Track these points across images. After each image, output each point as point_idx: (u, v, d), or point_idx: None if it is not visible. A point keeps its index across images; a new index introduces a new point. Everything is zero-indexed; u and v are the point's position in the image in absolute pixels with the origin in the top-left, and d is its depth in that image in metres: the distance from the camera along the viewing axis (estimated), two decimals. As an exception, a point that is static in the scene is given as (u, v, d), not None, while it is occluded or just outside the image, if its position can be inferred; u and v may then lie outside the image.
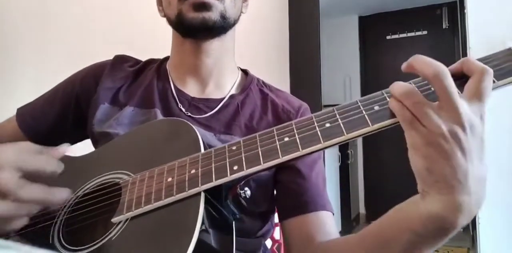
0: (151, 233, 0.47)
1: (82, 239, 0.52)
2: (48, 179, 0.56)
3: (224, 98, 0.75)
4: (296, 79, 2.00)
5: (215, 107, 0.74)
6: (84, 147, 0.76)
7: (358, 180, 3.85)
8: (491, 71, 0.42)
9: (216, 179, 0.47)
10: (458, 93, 0.42)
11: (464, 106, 0.40)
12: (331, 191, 2.73)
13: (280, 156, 0.46)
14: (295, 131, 0.47)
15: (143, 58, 0.84)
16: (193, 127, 0.58)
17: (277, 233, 1.21)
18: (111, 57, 0.82)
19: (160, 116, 0.71)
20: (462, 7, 2.11)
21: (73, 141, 0.85)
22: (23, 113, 0.81)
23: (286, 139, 0.47)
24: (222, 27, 0.70)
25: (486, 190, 0.42)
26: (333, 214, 0.70)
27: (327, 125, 0.45)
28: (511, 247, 1.81)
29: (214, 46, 0.73)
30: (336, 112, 0.46)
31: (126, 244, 0.48)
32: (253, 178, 0.65)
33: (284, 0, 2.02)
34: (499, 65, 0.44)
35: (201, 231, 0.44)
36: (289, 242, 0.68)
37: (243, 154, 0.48)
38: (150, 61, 0.83)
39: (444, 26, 3.66)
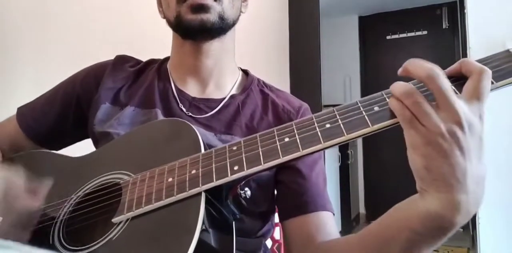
0: (152, 233, 0.47)
1: (83, 239, 0.52)
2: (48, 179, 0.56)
3: (224, 98, 0.75)
4: (296, 79, 2.00)
5: (216, 107, 0.74)
6: (84, 147, 0.76)
7: (358, 180, 3.85)
8: (489, 71, 0.42)
9: (216, 179, 0.48)
10: (457, 93, 0.43)
11: (462, 105, 0.41)
12: (331, 191, 2.73)
13: (281, 156, 0.46)
14: (295, 131, 0.47)
15: (144, 58, 0.84)
16: (193, 127, 0.58)
17: (277, 233, 1.21)
18: (111, 57, 0.82)
19: (161, 116, 0.72)
20: (462, 7, 2.11)
21: (73, 141, 0.85)
22: (23, 112, 0.81)
23: (287, 139, 0.47)
24: (221, 28, 0.70)
25: (485, 189, 0.43)
26: (334, 214, 0.70)
27: (327, 125, 0.46)
28: (511, 247, 1.81)
29: (214, 47, 0.74)
30: (336, 112, 0.46)
31: (126, 244, 0.48)
32: (254, 178, 0.65)
33: (284, 0, 2.03)
34: (498, 66, 0.44)
35: (202, 231, 0.44)
36: (289, 242, 0.68)
37: (243, 154, 0.48)
38: (151, 61, 0.83)
39: (444, 26, 3.66)
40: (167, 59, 0.82)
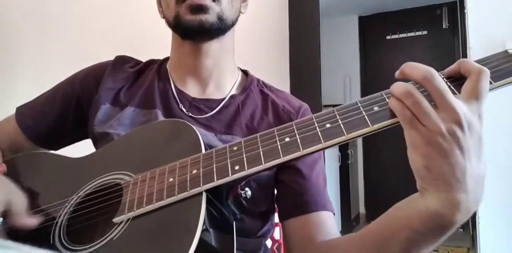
0: (153, 233, 0.47)
1: (83, 239, 0.53)
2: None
3: (224, 98, 0.75)
4: (296, 79, 2.00)
5: (216, 108, 0.74)
6: (84, 147, 0.76)
7: (358, 180, 3.85)
8: (488, 71, 0.43)
9: (217, 179, 0.48)
10: (456, 93, 0.43)
11: (461, 105, 0.41)
12: (331, 191, 2.73)
13: (281, 156, 0.46)
14: (295, 131, 0.47)
15: (143, 58, 0.84)
16: (194, 127, 0.58)
17: (277, 233, 1.21)
18: (111, 57, 0.82)
19: (161, 117, 0.72)
20: (462, 7, 2.11)
21: (73, 141, 0.85)
22: (22, 112, 0.81)
23: (287, 139, 0.47)
24: (220, 28, 0.70)
25: (485, 189, 0.43)
26: (334, 214, 0.70)
27: (328, 125, 0.46)
28: (511, 247, 1.81)
29: (213, 47, 0.74)
30: (336, 112, 0.47)
31: (127, 244, 0.48)
32: (254, 178, 0.65)
33: (284, 0, 2.03)
34: (496, 66, 0.45)
35: (202, 230, 0.45)
36: (289, 242, 0.68)
37: (244, 154, 0.49)
38: (151, 62, 0.83)
39: (444, 26, 3.66)
40: (166, 59, 0.82)
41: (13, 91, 2.01)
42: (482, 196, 0.43)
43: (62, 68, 0.99)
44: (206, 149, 0.54)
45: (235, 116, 0.73)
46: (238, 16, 0.76)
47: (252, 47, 1.89)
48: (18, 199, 0.56)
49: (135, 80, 0.79)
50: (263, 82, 0.82)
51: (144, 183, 0.53)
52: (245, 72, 0.83)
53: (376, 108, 0.45)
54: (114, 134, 0.69)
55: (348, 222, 3.23)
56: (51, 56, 2.02)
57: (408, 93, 0.41)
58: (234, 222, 0.52)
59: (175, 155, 0.54)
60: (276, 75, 1.98)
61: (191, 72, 0.76)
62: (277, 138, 0.48)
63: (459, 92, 0.43)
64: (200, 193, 0.48)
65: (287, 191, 0.70)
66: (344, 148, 3.20)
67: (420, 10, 3.72)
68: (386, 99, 0.45)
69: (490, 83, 0.43)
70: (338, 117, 0.46)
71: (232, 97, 0.76)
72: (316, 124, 0.47)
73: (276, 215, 0.77)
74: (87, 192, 0.58)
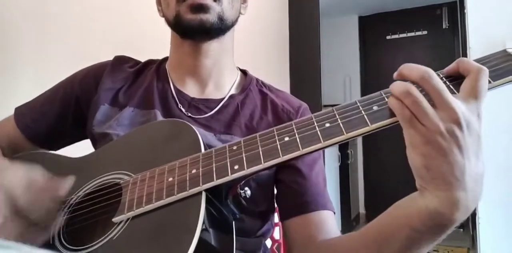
0: (152, 233, 0.47)
1: (83, 239, 0.53)
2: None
3: (223, 98, 0.75)
4: (296, 79, 2.00)
5: (215, 108, 0.74)
6: (84, 147, 0.76)
7: (358, 180, 3.85)
8: (486, 70, 0.43)
9: (217, 179, 0.48)
10: (455, 92, 0.43)
11: (459, 104, 0.41)
12: (331, 191, 2.73)
13: (281, 155, 0.46)
14: (295, 131, 0.47)
15: (143, 58, 0.84)
16: (193, 127, 0.58)
17: (276, 233, 1.21)
18: (111, 57, 0.82)
19: (160, 117, 0.72)
20: (462, 7, 2.11)
21: (72, 141, 0.85)
22: (21, 112, 0.81)
23: (287, 138, 0.47)
24: (220, 28, 0.70)
25: (484, 188, 0.43)
26: (334, 213, 0.70)
27: (327, 125, 0.46)
28: (511, 247, 1.81)
29: (213, 47, 0.74)
30: (335, 112, 0.47)
31: (127, 243, 0.48)
32: (253, 178, 0.65)
33: (284, 0, 2.03)
34: (495, 66, 0.45)
35: (202, 230, 0.45)
36: (290, 242, 0.68)
37: (243, 154, 0.49)
38: (150, 62, 0.83)
39: (444, 26, 3.66)
40: (165, 59, 0.82)
41: (13, 91, 2.01)
42: (481, 195, 0.43)
43: (62, 68, 0.98)
44: (205, 149, 0.54)
45: (234, 116, 0.73)
46: (238, 16, 0.76)
47: (252, 47, 1.89)
48: (39, 174, 0.55)
49: (134, 80, 0.79)
50: (262, 82, 0.82)
51: (144, 182, 0.53)
52: (244, 72, 0.83)
53: (375, 108, 0.45)
54: (113, 135, 0.69)
55: (348, 222, 3.23)
56: (51, 56, 2.02)
57: (408, 92, 0.41)
58: (233, 222, 0.52)
59: (175, 155, 0.54)
60: (276, 75, 1.98)
61: (190, 72, 0.76)
62: (276, 137, 0.48)
63: (458, 92, 0.44)
64: (200, 193, 0.48)
65: (287, 190, 0.70)
66: (344, 148, 3.20)
67: (420, 10, 3.72)
68: (385, 98, 0.45)
69: (489, 82, 0.44)
70: (337, 116, 0.46)
71: (231, 97, 0.76)
72: (315, 124, 0.47)
73: (276, 215, 0.77)
74: (87, 192, 0.58)
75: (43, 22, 2.05)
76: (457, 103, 0.41)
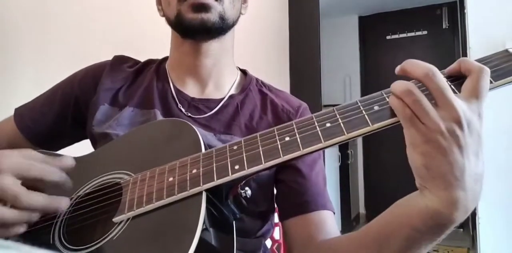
0: (153, 233, 0.47)
1: (83, 238, 0.52)
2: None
3: (223, 98, 0.75)
4: (296, 79, 2.00)
5: (215, 108, 0.74)
6: (84, 147, 0.76)
7: (358, 180, 3.85)
8: (488, 70, 0.43)
9: (217, 179, 0.48)
10: (456, 92, 0.43)
11: (461, 104, 0.41)
12: (331, 191, 2.73)
13: (281, 156, 0.46)
14: (295, 130, 0.47)
15: (143, 58, 0.84)
16: (194, 127, 0.58)
17: (277, 233, 1.21)
18: (111, 57, 0.82)
19: (159, 117, 0.72)
20: (462, 7, 2.11)
21: (72, 141, 0.85)
22: (21, 113, 0.81)
23: (287, 138, 0.47)
24: (221, 28, 0.70)
25: (484, 188, 0.43)
26: (334, 213, 0.70)
27: (328, 125, 0.46)
28: (511, 247, 1.81)
29: (213, 47, 0.74)
30: (336, 112, 0.47)
31: (127, 243, 0.48)
32: (253, 178, 0.65)
33: (284, 0, 2.03)
34: (497, 66, 0.45)
35: (202, 230, 0.44)
36: (290, 242, 0.68)
37: (244, 154, 0.49)
38: (149, 62, 0.83)
39: (444, 26, 3.66)
40: (165, 59, 0.82)
41: (13, 91, 2.01)
42: (481, 195, 0.43)
43: (62, 68, 0.98)
44: (206, 149, 0.54)
45: (234, 116, 0.73)
46: (239, 16, 0.76)
47: (252, 47, 1.89)
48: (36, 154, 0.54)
49: (134, 80, 0.79)
50: (262, 82, 0.82)
51: (144, 182, 0.53)
52: (244, 72, 0.83)
53: (376, 108, 0.45)
54: (113, 135, 0.69)
55: (348, 222, 3.23)
56: (51, 56, 2.02)
57: (408, 91, 0.41)
58: (234, 222, 0.52)
59: (175, 155, 0.54)
60: (276, 75, 1.98)
61: (190, 72, 0.76)
62: (277, 137, 0.48)
63: (460, 92, 0.44)
64: (200, 193, 0.48)
65: (287, 190, 0.70)
66: (344, 148, 3.20)
67: (420, 10, 3.72)
68: (386, 98, 0.45)
69: (491, 82, 0.43)
70: (338, 116, 0.46)
71: (231, 97, 0.76)
72: (316, 124, 0.47)
73: (276, 215, 0.77)
74: (87, 191, 0.58)
75: (43, 22, 2.05)
76: (458, 102, 0.41)
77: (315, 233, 0.65)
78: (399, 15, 3.80)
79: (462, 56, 3.03)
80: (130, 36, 1.96)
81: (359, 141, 3.84)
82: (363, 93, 3.91)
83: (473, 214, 1.94)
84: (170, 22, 0.73)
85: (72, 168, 0.55)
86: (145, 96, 0.75)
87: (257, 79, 0.82)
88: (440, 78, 0.41)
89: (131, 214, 0.50)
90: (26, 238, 0.53)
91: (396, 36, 3.85)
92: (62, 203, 0.52)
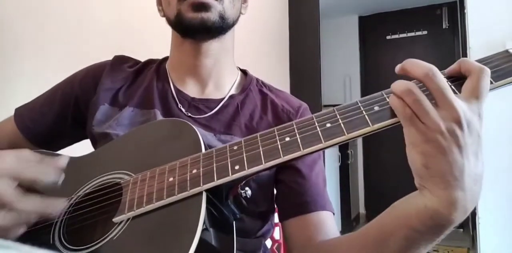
0: (153, 233, 0.47)
1: (83, 238, 0.52)
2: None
3: (223, 98, 0.75)
4: (296, 79, 2.00)
5: (215, 108, 0.74)
6: (84, 147, 0.76)
7: (358, 180, 3.85)
8: (488, 70, 0.43)
9: (217, 179, 0.48)
10: (456, 92, 0.43)
11: (461, 104, 0.41)
12: (331, 191, 2.73)
13: (282, 156, 0.46)
14: (296, 131, 0.47)
15: (143, 58, 0.84)
16: (194, 127, 0.58)
17: (277, 233, 1.21)
18: (110, 57, 0.82)
19: (160, 117, 0.71)
20: (462, 7, 2.11)
21: (72, 142, 0.85)
22: (21, 113, 0.81)
23: (287, 139, 0.47)
24: (221, 27, 0.70)
25: (484, 188, 0.43)
26: (334, 213, 0.70)
27: (328, 125, 0.46)
28: (511, 247, 1.81)
29: (213, 47, 0.74)
30: (336, 112, 0.47)
31: (127, 243, 0.48)
32: (253, 178, 0.65)
33: (284, 0, 2.03)
34: (497, 66, 0.45)
35: (203, 230, 0.44)
36: (289, 242, 0.68)
37: (244, 154, 0.48)
38: (149, 62, 0.83)
39: (444, 26, 3.66)
40: (165, 59, 0.82)
41: (12, 91, 2.01)
42: (480, 195, 0.43)
43: (62, 68, 0.99)
44: (206, 149, 0.54)
45: (234, 116, 0.73)
46: (239, 16, 0.76)
47: (252, 47, 1.89)
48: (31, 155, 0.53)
49: (134, 80, 0.79)
50: (262, 82, 0.82)
51: (144, 182, 0.53)
52: (244, 72, 0.83)
53: (376, 108, 0.45)
54: (113, 135, 0.69)
55: (348, 222, 3.23)
56: (51, 56, 2.02)
57: (409, 90, 0.42)
58: (234, 222, 0.52)
59: (175, 155, 0.54)
60: (276, 75, 1.98)
61: (190, 72, 0.76)
62: (277, 137, 0.48)
63: (460, 92, 0.44)
64: (200, 193, 0.48)
65: (287, 191, 0.70)
66: (344, 148, 3.20)
67: (420, 10, 3.72)
68: (387, 98, 0.45)
69: (491, 82, 0.43)
70: (338, 116, 0.46)
71: (231, 97, 0.76)
72: (316, 124, 0.47)
73: (276, 215, 0.77)
74: (87, 191, 0.58)
75: (43, 22, 2.05)
76: (458, 102, 0.41)
77: (314, 234, 0.65)
78: (399, 15, 3.80)
79: (462, 56, 3.04)
80: (130, 36, 1.96)
81: (359, 141, 3.84)
82: (363, 93, 3.91)
83: (473, 214, 1.94)
84: (170, 22, 0.73)
85: (66, 168, 0.55)
86: (145, 96, 0.75)
87: (257, 79, 0.82)
88: (440, 78, 0.41)
89: (131, 214, 0.50)
90: (26, 238, 0.53)
91: (396, 36, 3.85)
92: (57, 206, 0.51)
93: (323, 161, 0.77)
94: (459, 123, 0.41)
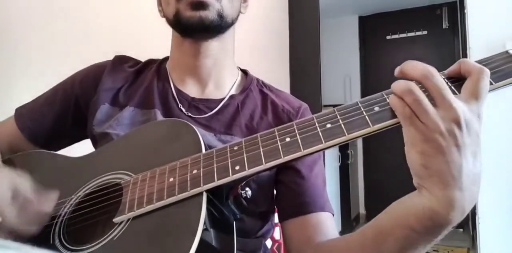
0: (153, 233, 0.47)
1: (83, 239, 0.52)
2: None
3: (224, 98, 0.75)
4: (296, 79, 2.00)
5: (215, 108, 0.74)
6: (84, 147, 0.76)
7: (358, 180, 3.85)
8: (488, 71, 0.43)
9: (218, 179, 0.48)
10: (456, 93, 0.43)
11: (460, 104, 0.41)
12: (331, 191, 2.74)
13: (282, 156, 0.46)
14: (296, 131, 0.47)
15: (144, 58, 0.84)
16: (194, 127, 0.58)
17: (277, 233, 1.21)
18: (111, 57, 0.82)
19: (160, 117, 0.72)
20: (462, 7, 2.11)
21: (72, 142, 0.85)
22: (22, 113, 0.81)
23: (288, 139, 0.47)
24: (220, 26, 0.70)
25: (484, 188, 0.43)
26: (333, 214, 0.70)
27: (328, 125, 0.46)
28: (511, 247, 1.81)
29: (213, 47, 0.74)
30: (336, 113, 0.47)
31: (127, 244, 0.48)
32: (254, 178, 0.65)
33: (284, 0, 2.02)
34: (497, 67, 0.45)
35: (203, 230, 0.45)
36: (289, 243, 0.68)
37: (245, 154, 0.49)
38: (150, 62, 0.83)
39: (444, 26, 3.66)
40: (165, 59, 0.82)
41: (13, 91, 2.01)
42: (478, 196, 0.43)
43: (62, 68, 0.98)
44: (206, 149, 0.54)
45: (234, 116, 0.73)
46: (238, 15, 0.76)
47: (252, 47, 1.89)
48: (25, 184, 0.55)
49: (134, 80, 0.79)
50: (262, 82, 0.82)
51: (144, 182, 0.53)
52: (244, 72, 0.83)
53: (376, 108, 0.45)
54: (113, 134, 0.69)
55: (348, 222, 3.23)
56: (52, 56, 2.02)
57: (409, 90, 0.42)
58: (234, 222, 0.52)
59: (176, 155, 0.54)
60: (276, 75, 1.97)
61: (190, 72, 0.76)
62: (277, 138, 0.48)
63: (460, 92, 0.44)
64: (201, 193, 0.48)
65: (286, 191, 0.70)
66: (344, 148, 3.20)
67: (420, 10, 3.72)
68: (387, 99, 0.45)
69: (491, 83, 0.43)
70: (338, 117, 0.46)
71: (231, 97, 0.76)
72: (316, 124, 0.47)
73: (276, 215, 0.77)
74: (87, 191, 0.58)
75: (45, 21, 2.05)
76: (458, 103, 0.41)
77: (313, 235, 0.65)
78: (399, 15, 3.80)
79: (462, 56, 3.04)
80: (130, 36, 1.96)
81: (359, 141, 3.84)
82: (363, 93, 3.91)
83: (473, 214, 1.94)
84: (170, 22, 0.73)
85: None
86: (145, 96, 0.75)
87: (257, 79, 0.82)
88: (438, 79, 0.41)
89: (131, 214, 0.50)
90: (26, 238, 0.53)
91: (396, 36, 3.85)
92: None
93: (323, 161, 0.77)
94: (458, 123, 0.41)
